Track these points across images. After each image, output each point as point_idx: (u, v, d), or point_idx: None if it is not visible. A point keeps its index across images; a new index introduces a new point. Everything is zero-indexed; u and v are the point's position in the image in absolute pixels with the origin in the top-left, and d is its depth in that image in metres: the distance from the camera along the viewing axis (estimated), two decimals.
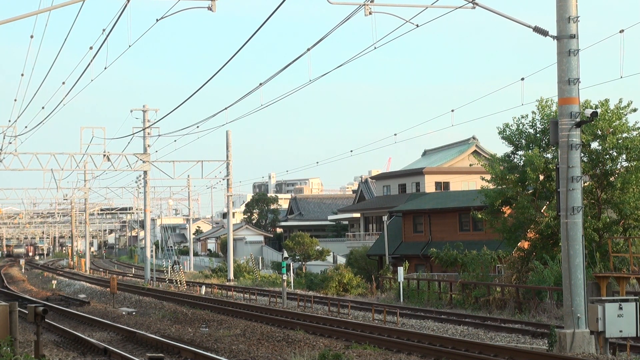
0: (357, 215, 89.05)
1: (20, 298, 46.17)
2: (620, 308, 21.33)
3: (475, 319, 31.98)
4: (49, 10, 22.24)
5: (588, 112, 22.40)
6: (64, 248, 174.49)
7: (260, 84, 29.57)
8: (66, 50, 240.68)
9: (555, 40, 21.92)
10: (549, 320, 30.11)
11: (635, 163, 36.79)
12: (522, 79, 26.40)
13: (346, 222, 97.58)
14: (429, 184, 77.49)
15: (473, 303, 37.60)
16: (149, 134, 62.47)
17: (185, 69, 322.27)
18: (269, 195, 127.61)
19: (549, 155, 39.04)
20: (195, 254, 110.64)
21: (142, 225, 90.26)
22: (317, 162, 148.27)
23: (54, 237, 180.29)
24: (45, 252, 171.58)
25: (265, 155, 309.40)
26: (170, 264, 70.06)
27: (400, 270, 43.78)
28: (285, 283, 43.89)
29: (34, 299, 46.11)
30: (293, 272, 59.91)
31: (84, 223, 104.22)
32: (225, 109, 35.71)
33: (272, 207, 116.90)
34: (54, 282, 64.19)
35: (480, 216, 42.76)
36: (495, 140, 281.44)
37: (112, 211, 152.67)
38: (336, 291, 49.84)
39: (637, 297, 22.30)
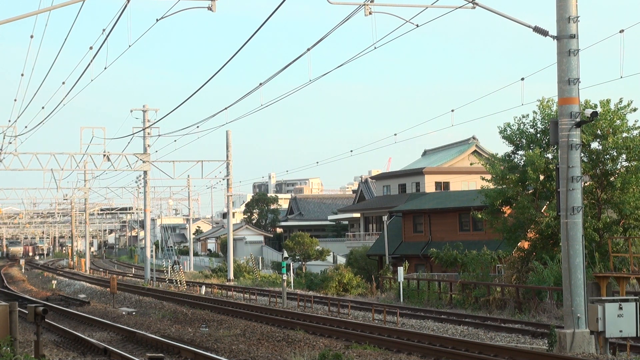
0: (357, 215, 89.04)
1: (20, 298, 46.14)
2: (620, 308, 21.32)
3: (475, 319, 31.97)
4: (49, 10, 22.24)
5: (588, 112, 22.40)
6: (64, 248, 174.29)
7: (260, 84, 29.57)
8: (66, 50, 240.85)
9: (555, 40, 21.91)
10: (549, 320, 30.10)
11: (635, 163, 36.79)
12: (522, 79, 26.42)
13: (346, 222, 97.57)
14: (429, 184, 77.48)
15: (473, 303, 37.59)
16: (149, 134, 62.46)
17: (185, 69, 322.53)
18: (269, 195, 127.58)
19: (549, 155, 39.04)
20: (195, 254, 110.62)
21: (142, 225, 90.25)
22: (317, 162, 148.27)
23: (54, 237, 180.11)
24: (45, 252, 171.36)
25: (265, 155, 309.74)
26: (170, 264, 70.03)
27: (400, 270, 43.77)
28: (285, 283, 43.88)
29: (34, 299, 46.08)
30: (293, 272, 59.90)
31: (84, 223, 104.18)
32: (225, 109, 35.72)
33: (272, 207, 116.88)
34: (54, 282, 64.15)
35: (480, 216, 42.76)
36: (495, 140, 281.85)
37: (112, 211, 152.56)
38: (336, 291, 49.83)
39: (637, 297, 22.29)
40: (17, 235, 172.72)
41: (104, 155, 59.53)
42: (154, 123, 60.17)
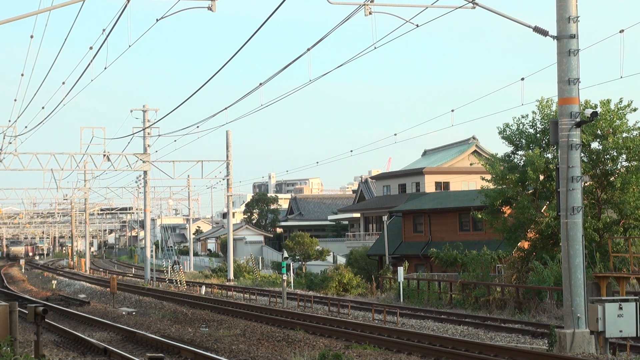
0: (357, 215, 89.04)
1: (20, 298, 46.14)
2: (620, 308, 21.32)
3: (475, 319, 31.98)
4: (49, 10, 22.24)
5: (588, 112, 22.39)
6: (64, 248, 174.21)
7: (260, 84, 29.57)
8: (66, 50, 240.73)
9: (555, 40, 21.91)
10: (549, 320, 30.11)
11: (635, 163, 36.79)
12: (522, 79, 26.42)
13: (346, 222, 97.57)
14: (429, 184, 77.49)
15: (473, 303, 37.59)
16: (149, 134, 62.47)
17: (185, 69, 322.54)
18: (269, 195, 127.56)
19: (549, 155, 39.04)
20: (195, 254, 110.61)
21: (142, 225, 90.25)
22: (317, 162, 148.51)
23: (54, 237, 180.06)
24: (45, 252, 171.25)
25: (265, 155, 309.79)
26: (170, 264, 70.05)
27: (400, 270, 43.77)
28: (285, 283, 43.89)
29: (34, 299, 46.09)
30: (293, 272, 59.91)
31: (84, 223, 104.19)
32: (225, 109, 35.73)
33: (272, 207, 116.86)
34: (54, 282, 64.17)
35: (480, 216, 42.74)
36: (495, 140, 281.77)
37: (112, 211, 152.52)
38: (336, 291, 49.83)
39: (637, 297, 22.29)
40: (17, 235, 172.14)
41: (104, 155, 59.54)
42: (154, 123, 60.20)
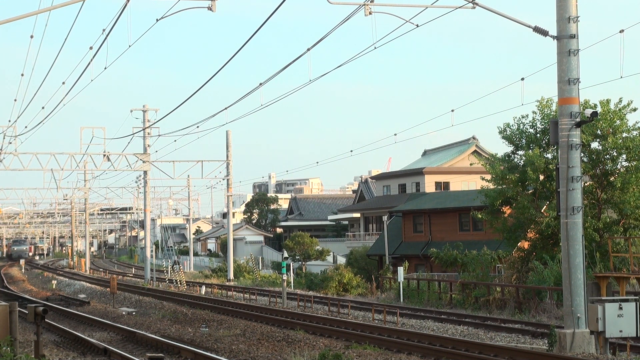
0: (357, 215, 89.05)
1: (20, 298, 46.14)
2: (620, 308, 21.33)
3: (475, 319, 31.98)
4: (49, 10, 22.24)
5: (588, 112, 22.39)
6: (64, 248, 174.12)
7: (260, 84, 29.57)
8: (66, 50, 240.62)
9: (555, 40, 21.92)
10: (549, 320, 30.11)
11: (635, 163, 36.79)
12: (522, 79, 26.42)
13: (346, 222, 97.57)
14: (429, 184, 77.49)
15: (473, 303, 37.59)
16: (149, 134, 62.47)
17: (185, 69, 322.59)
18: (269, 195, 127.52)
19: (549, 155, 39.04)
20: (195, 254, 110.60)
21: (142, 225, 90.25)
22: (317, 162, 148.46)
23: (54, 237, 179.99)
24: (45, 252, 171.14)
25: (265, 155, 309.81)
26: (170, 264, 70.04)
27: (400, 270, 43.78)
28: (285, 283, 43.89)
29: (34, 299, 46.09)
30: (293, 272, 59.91)
31: (84, 223, 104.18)
32: (225, 109, 35.73)
33: (272, 207, 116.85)
34: (54, 282, 64.16)
35: (480, 216, 42.75)
36: (495, 140, 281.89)
37: (112, 211, 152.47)
38: (336, 291, 49.84)
39: (637, 297, 22.29)
40: (20, 234, 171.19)
41: (104, 155, 59.54)
42: (154, 123, 60.19)
